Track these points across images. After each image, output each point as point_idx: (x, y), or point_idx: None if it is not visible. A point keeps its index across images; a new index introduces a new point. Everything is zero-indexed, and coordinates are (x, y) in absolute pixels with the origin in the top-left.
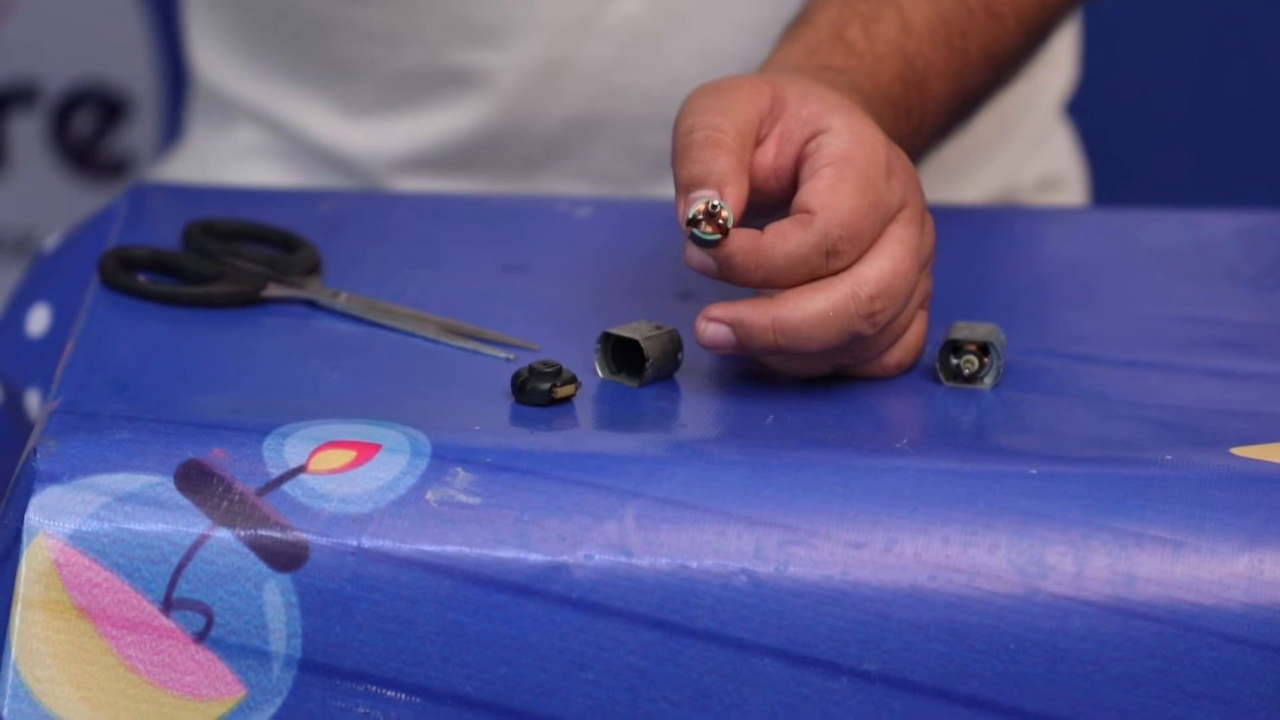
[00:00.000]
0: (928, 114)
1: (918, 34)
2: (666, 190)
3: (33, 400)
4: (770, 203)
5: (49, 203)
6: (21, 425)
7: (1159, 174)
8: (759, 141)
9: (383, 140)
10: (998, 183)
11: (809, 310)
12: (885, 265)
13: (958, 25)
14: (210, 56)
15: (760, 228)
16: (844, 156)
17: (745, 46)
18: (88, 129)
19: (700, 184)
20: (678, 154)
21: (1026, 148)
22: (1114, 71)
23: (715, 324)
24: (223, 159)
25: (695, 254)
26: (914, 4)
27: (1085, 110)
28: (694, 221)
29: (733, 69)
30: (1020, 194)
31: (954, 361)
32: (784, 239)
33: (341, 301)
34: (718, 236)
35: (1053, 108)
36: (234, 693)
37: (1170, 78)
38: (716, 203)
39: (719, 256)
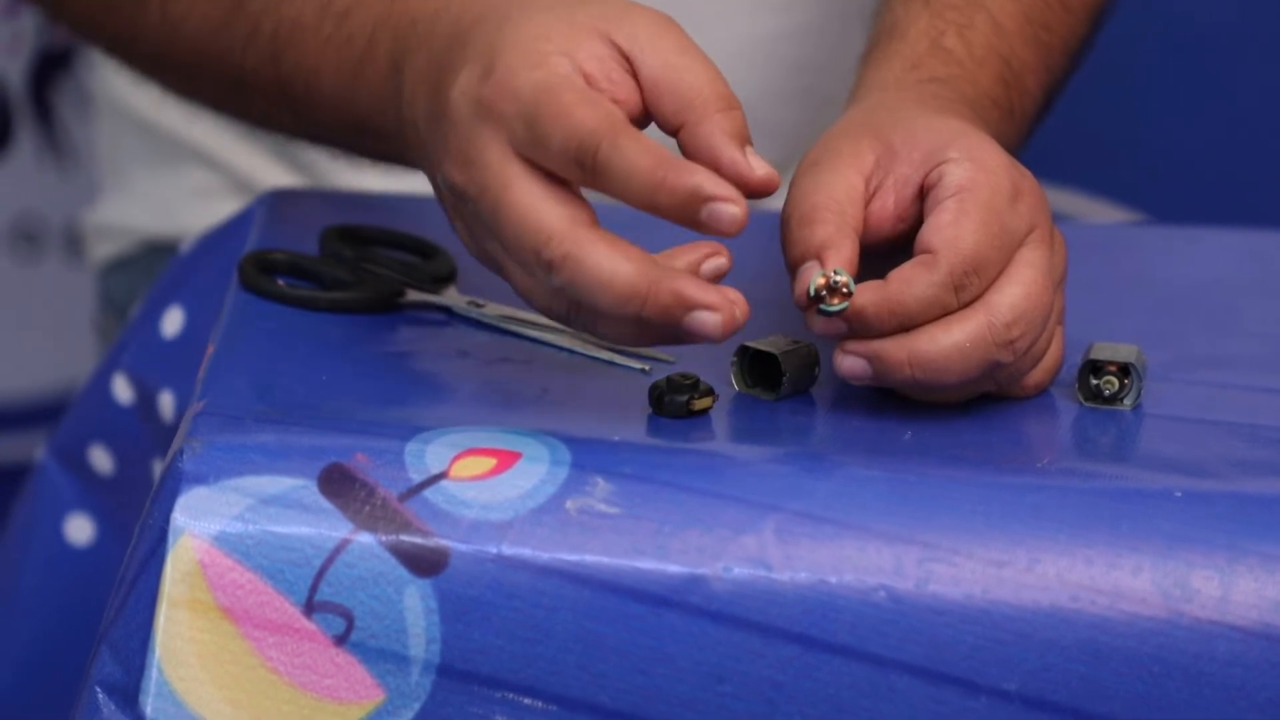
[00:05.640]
0: (1027, 111)
1: (1009, 34)
2: None
3: (166, 401)
4: (903, 246)
5: None
6: (156, 426)
7: (1215, 190)
8: (872, 196)
9: None
10: None
11: (945, 344)
12: (1018, 292)
13: (1040, 20)
14: (149, 97)
15: (883, 274)
16: (966, 186)
17: None
18: None
19: (801, 261)
20: (782, 241)
21: None
22: (1175, 87)
23: (853, 357)
24: (177, 199)
25: (820, 322)
26: (1000, 4)
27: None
28: (817, 298)
29: None
30: None
31: (1094, 382)
32: (911, 284)
33: (478, 309)
34: (844, 305)
35: None
36: (373, 696)
37: (1244, 95)
38: (836, 275)
39: (849, 317)
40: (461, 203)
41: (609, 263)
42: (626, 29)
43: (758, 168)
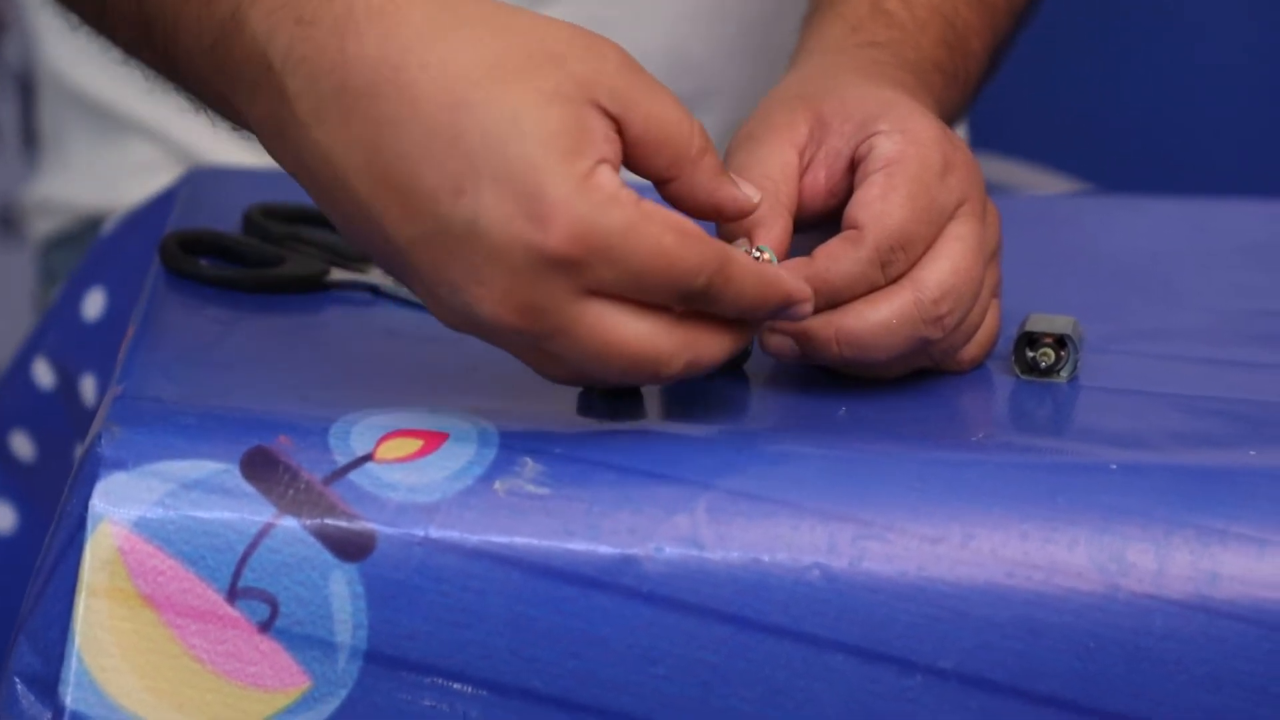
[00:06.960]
0: (971, 74)
1: None
2: None
3: (88, 385)
4: (836, 220)
5: None
6: (78, 410)
7: (1172, 163)
8: (806, 168)
9: None
10: None
11: (872, 321)
12: (946, 267)
13: None
14: (91, 71)
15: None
16: (895, 159)
17: (673, 43)
18: None
19: (732, 239)
20: None
21: None
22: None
23: (779, 335)
24: (117, 174)
25: None
26: None
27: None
28: None
29: (660, 64)
30: None
31: (1030, 354)
32: (836, 261)
33: (404, 287)
34: None
35: None
36: (299, 684)
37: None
38: (759, 253)
39: None
40: (513, 337)
41: (720, 347)
42: (605, 86)
43: (753, 195)
